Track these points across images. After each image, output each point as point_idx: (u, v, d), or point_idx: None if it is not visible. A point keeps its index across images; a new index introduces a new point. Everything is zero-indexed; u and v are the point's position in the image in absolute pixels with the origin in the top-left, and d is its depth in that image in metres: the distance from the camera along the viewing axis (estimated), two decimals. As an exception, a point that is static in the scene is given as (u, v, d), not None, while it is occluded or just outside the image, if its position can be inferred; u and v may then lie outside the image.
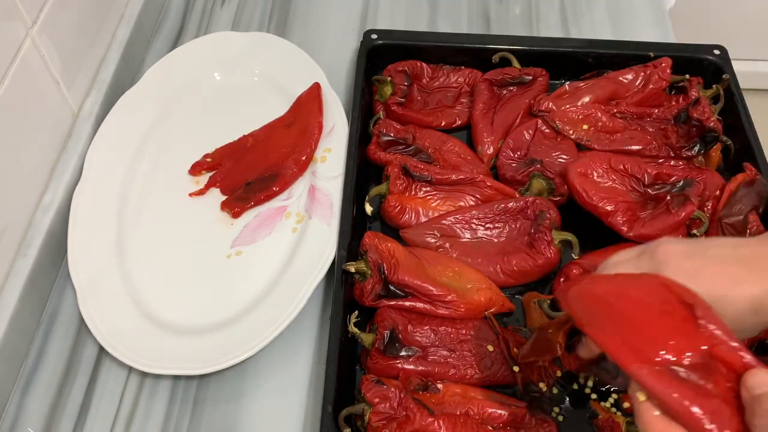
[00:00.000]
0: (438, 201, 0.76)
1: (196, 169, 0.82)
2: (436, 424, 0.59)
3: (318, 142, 0.80)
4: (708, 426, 0.41)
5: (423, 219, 0.74)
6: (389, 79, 0.84)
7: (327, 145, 0.80)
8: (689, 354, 0.43)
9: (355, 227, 0.72)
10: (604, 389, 0.65)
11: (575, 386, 0.65)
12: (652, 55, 0.84)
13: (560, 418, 0.64)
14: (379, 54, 0.86)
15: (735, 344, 0.43)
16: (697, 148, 0.77)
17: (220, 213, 0.79)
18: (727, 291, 0.46)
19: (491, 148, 0.81)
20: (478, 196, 0.76)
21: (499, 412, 0.62)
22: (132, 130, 0.83)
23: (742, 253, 0.49)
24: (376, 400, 0.59)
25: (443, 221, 0.74)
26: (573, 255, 0.71)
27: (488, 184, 0.75)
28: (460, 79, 0.87)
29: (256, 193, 0.78)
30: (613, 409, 0.63)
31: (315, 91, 0.83)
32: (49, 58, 0.74)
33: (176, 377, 0.69)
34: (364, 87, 0.82)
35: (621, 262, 0.52)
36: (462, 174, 0.76)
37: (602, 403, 0.64)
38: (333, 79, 0.86)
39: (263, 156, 0.81)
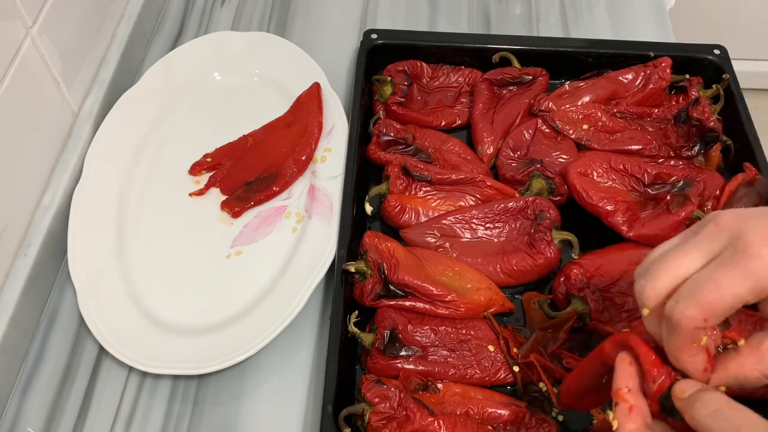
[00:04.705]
0: (438, 201, 0.76)
1: (196, 169, 0.82)
2: (436, 424, 0.59)
3: (318, 142, 0.80)
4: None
5: (423, 219, 0.74)
6: (389, 78, 0.84)
7: (327, 145, 0.80)
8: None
9: (355, 227, 0.72)
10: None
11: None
12: (652, 54, 0.84)
13: (560, 417, 0.64)
14: (379, 54, 0.86)
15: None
16: (697, 148, 0.77)
17: (220, 213, 0.79)
18: None
19: (491, 147, 0.81)
20: (478, 195, 0.76)
21: (499, 412, 0.62)
22: (132, 130, 0.83)
23: None
24: (376, 399, 0.59)
25: (443, 221, 0.74)
26: (573, 255, 0.71)
27: (488, 183, 0.75)
28: (460, 79, 0.87)
29: (256, 192, 0.78)
30: (609, 412, 0.63)
31: (315, 90, 0.83)
32: (49, 58, 0.74)
33: (176, 377, 0.69)
34: (364, 87, 0.82)
35: (670, 250, 0.44)
36: (462, 174, 0.76)
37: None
38: (333, 79, 0.86)
39: (263, 156, 0.81)
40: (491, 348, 0.66)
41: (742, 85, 0.82)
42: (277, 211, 0.78)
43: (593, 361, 0.51)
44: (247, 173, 0.80)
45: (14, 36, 0.69)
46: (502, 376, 0.65)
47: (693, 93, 0.82)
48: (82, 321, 0.71)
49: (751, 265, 0.39)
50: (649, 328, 0.45)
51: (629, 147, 0.78)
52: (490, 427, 0.61)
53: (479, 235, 0.74)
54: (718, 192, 0.73)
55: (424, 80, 0.87)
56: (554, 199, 0.75)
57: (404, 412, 0.59)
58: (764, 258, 0.39)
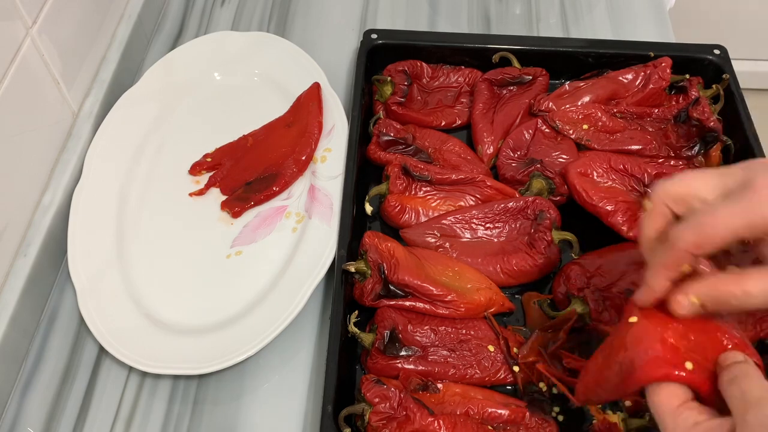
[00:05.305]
0: (438, 201, 0.76)
1: (196, 169, 0.82)
2: (436, 424, 0.59)
3: (318, 142, 0.80)
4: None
5: (423, 219, 0.74)
6: (389, 78, 0.84)
7: (327, 145, 0.80)
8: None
9: (355, 227, 0.72)
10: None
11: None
12: (652, 54, 0.84)
13: (560, 418, 0.64)
14: (379, 54, 0.86)
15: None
16: (697, 148, 0.77)
17: (220, 213, 0.79)
18: None
19: (491, 147, 0.81)
20: (478, 195, 0.76)
21: (499, 412, 0.62)
22: (132, 130, 0.83)
23: None
24: (376, 399, 0.59)
25: (443, 221, 0.74)
26: (573, 255, 0.71)
27: (488, 183, 0.75)
28: (460, 79, 0.87)
29: (256, 192, 0.78)
30: (609, 411, 0.63)
31: (315, 90, 0.83)
32: (49, 57, 0.74)
33: (176, 377, 0.69)
34: (364, 87, 0.82)
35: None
36: (462, 174, 0.76)
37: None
38: (333, 79, 0.86)
39: (263, 156, 0.81)
40: (491, 348, 0.66)
41: (742, 85, 0.82)
42: (277, 211, 0.78)
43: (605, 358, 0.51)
44: (247, 173, 0.80)
45: (14, 36, 0.69)
46: (502, 376, 0.65)
47: (693, 93, 0.82)
48: (82, 321, 0.71)
49: (751, 202, 0.42)
50: (643, 228, 0.48)
51: (629, 147, 0.78)
52: (490, 427, 0.61)
53: (479, 235, 0.74)
54: (718, 192, 0.73)
55: (424, 80, 0.87)
56: (554, 199, 0.75)
57: (404, 412, 0.59)
58: (764, 197, 0.42)
